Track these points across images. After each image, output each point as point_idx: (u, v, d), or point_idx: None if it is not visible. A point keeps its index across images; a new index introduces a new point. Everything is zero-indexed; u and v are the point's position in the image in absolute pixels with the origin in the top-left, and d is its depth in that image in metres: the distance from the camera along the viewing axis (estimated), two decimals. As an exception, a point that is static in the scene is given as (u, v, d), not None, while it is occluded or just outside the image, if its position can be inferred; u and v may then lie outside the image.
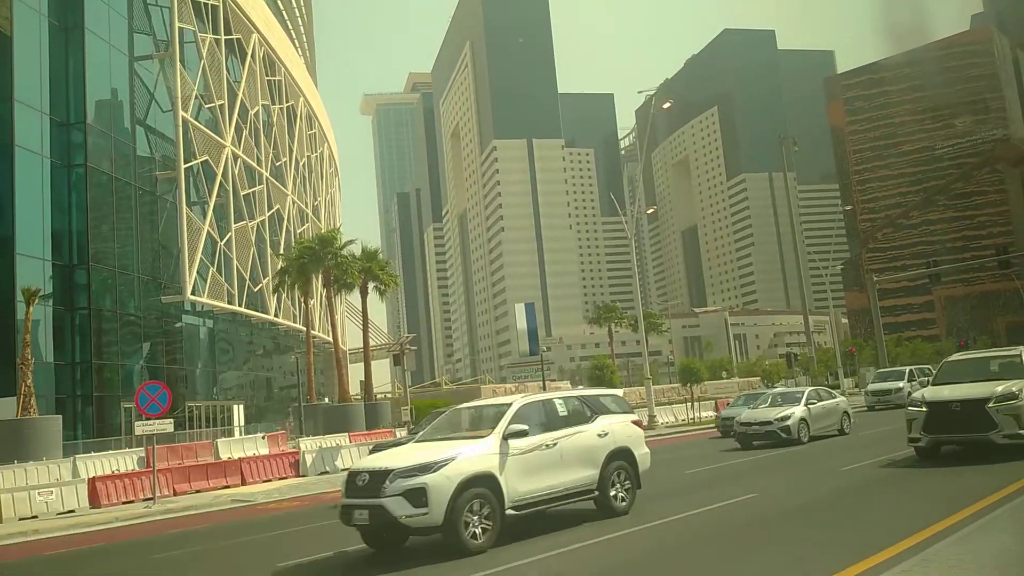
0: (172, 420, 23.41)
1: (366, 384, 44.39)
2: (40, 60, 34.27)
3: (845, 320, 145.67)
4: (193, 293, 41.21)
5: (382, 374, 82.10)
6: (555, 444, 10.70)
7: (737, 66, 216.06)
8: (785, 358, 67.45)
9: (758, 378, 78.20)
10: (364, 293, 43.57)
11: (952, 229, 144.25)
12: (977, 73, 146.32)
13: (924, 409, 14.30)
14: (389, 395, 62.10)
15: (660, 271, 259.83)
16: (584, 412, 11.64)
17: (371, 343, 49.14)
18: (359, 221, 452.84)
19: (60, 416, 28.09)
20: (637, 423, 12.63)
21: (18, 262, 31.14)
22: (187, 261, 40.52)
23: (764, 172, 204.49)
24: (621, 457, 11.59)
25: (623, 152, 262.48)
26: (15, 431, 23.49)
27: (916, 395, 15.52)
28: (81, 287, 35.40)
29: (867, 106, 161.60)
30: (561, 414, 11.33)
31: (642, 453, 12.05)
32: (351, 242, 43.38)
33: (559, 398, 11.86)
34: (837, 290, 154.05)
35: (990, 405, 13.48)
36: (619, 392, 16.58)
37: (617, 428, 11.78)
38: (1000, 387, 13.78)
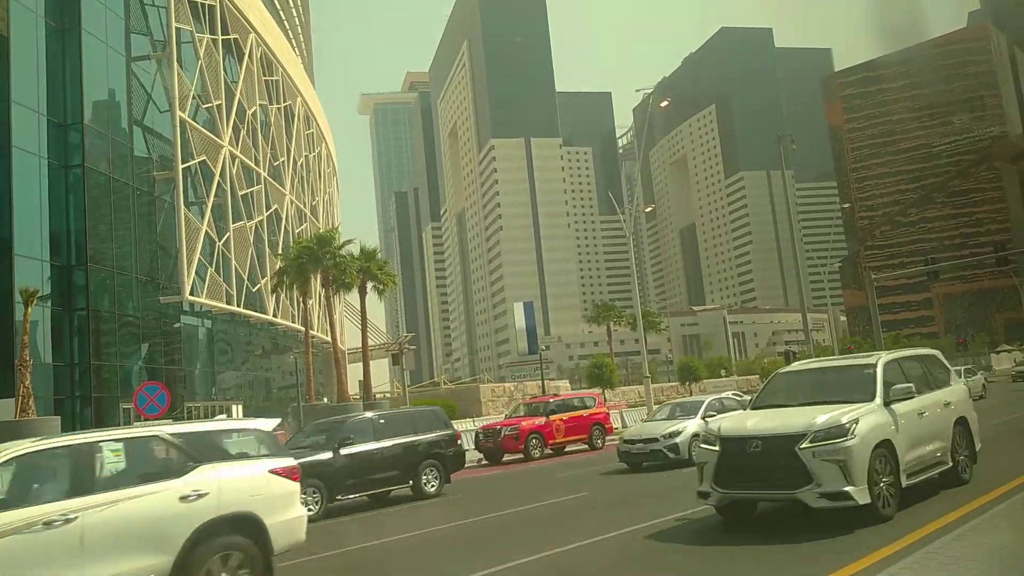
0: (171, 421, 23.43)
1: (365, 384, 44.38)
2: (37, 61, 34.20)
3: (843, 318, 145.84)
4: (191, 293, 41.20)
5: (381, 374, 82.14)
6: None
7: (735, 64, 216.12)
8: (783, 356, 67.49)
9: (756, 376, 78.21)
10: (363, 293, 43.56)
11: (950, 226, 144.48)
12: (974, 70, 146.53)
13: (716, 449, 9.38)
14: (388, 395, 62.06)
15: (658, 270, 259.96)
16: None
17: (370, 343, 49.12)
18: (357, 221, 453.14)
19: (59, 417, 28.01)
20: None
21: (16, 263, 31.07)
22: (185, 261, 40.51)
23: (762, 170, 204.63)
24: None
25: (621, 151, 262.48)
26: (14, 433, 23.33)
27: (712, 425, 10.08)
28: (79, 288, 35.36)
29: (865, 104, 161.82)
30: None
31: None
32: (349, 242, 43.41)
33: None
34: (835, 288, 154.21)
35: (802, 446, 8.66)
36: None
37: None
38: (824, 416, 8.92)
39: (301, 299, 48.15)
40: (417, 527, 12.99)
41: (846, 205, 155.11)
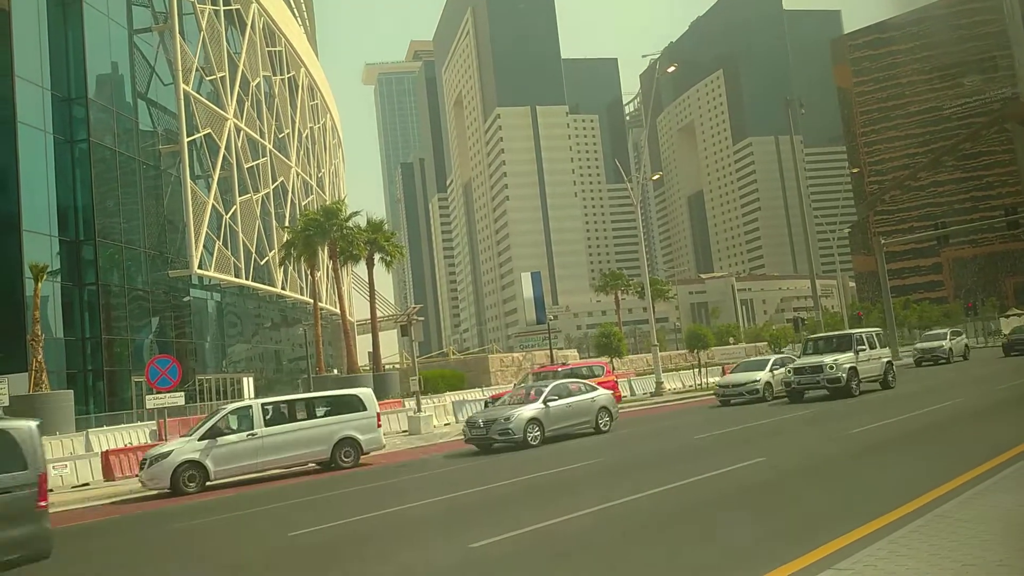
0: (183, 393, 23.66)
1: (374, 355, 44.61)
2: (40, 35, 34.04)
3: (852, 284, 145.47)
4: (200, 267, 41.31)
5: (390, 345, 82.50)
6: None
7: (742, 28, 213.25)
8: (792, 323, 67.44)
9: (765, 343, 78.21)
10: (370, 264, 43.62)
11: (960, 190, 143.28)
12: (986, 31, 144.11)
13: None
14: (397, 365, 62.38)
15: (666, 237, 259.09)
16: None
17: (378, 314, 49.28)
18: (364, 192, 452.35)
19: (72, 391, 28.36)
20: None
21: (25, 239, 31.20)
22: (193, 235, 40.55)
23: (770, 135, 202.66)
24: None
25: (628, 118, 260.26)
26: (28, 406, 23.69)
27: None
28: (88, 263, 35.50)
29: (874, 67, 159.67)
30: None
31: None
32: (356, 214, 43.36)
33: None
34: (844, 254, 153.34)
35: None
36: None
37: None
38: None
39: (309, 271, 48.24)
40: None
41: (855, 170, 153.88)
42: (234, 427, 17.29)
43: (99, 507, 16.45)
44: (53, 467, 19.03)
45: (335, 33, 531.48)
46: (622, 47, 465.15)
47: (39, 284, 26.19)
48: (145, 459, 16.96)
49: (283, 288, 54.90)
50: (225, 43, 49.34)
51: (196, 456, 16.55)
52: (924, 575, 5.42)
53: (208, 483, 16.71)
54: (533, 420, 18.59)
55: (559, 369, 27.12)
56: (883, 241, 55.06)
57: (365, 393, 19.54)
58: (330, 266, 48.94)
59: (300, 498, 14.75)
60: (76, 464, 20.09)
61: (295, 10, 77.56)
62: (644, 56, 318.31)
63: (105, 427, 25.64)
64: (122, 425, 26.59)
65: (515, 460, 16.58)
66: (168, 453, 16.56)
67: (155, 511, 15.03)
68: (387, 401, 32.22)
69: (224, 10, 50.00)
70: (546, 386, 19.90)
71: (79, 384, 33.01)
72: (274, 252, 52.63)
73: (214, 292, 47.70)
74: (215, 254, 43.73)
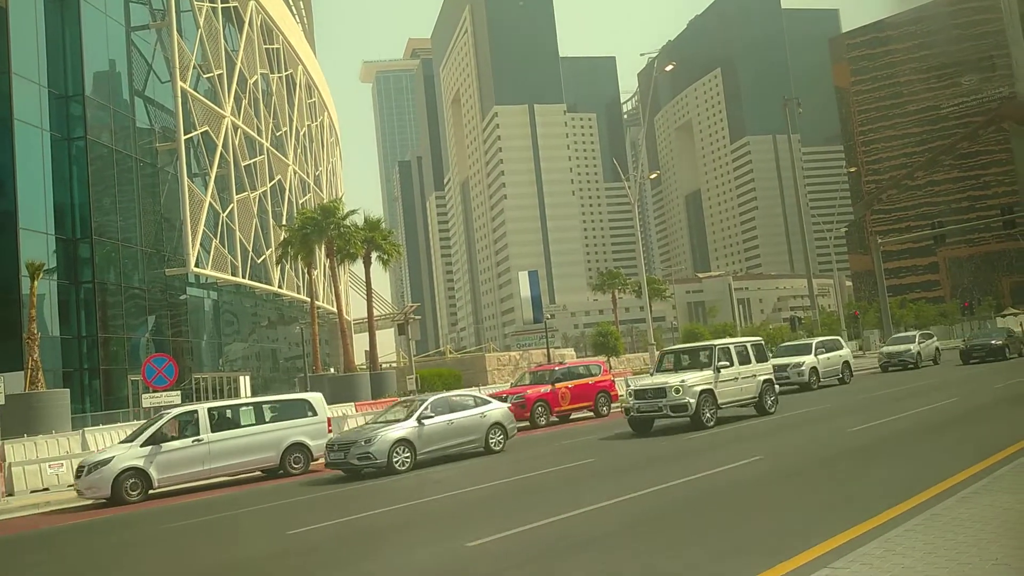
0: (179, 392, 23.61)
1: (371, 354, 44.57)
2: (36, 32, 33.96)
3: (849, 283, 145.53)
4: (196, 265, 41.25)
5: (387, 343, 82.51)
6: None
7: (740, 27, 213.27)
8: (789, 322, 67.54)
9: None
10: (367, 263, 43.56)
11: (957, 189, 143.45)
12: (983, 30, 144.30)
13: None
14: (394, 364, 62.35)
15: (663, 236, 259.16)
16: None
17: (375, 313, 49.24)
18: (361, 190, 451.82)
19: (68, 390, 28.28)
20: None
21: (21, 236, 31.14)
22: (190, 233, 40.49)
23: (768, 134, 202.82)
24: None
25: (625, 116, 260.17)
26: (24, 405, 23.65)
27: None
28: (85, 261, 35.44)
29: (872, 66, 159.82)
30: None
31: None
32: (353, 212, 43.28)
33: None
34: (841, 253, 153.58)
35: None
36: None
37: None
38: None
39: (306, 270, 48.20)
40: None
41: (852, 169, 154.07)
42: (179, 432, 16.62)
43: (31, 517, 15.56)
44: (49, 466, 19.00)
45: (333, 31, 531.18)
46: (620, 46, 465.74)
47: (35, 282, 26.11)
48: (82, 466, 16.02)
49: (280, 287, 54.85)
50: (223, 41, 49.27)
51: (139, 463, 15.79)
52: (920, 575, 5.41)
53: (151, 491, 16.04)
54: (402, 441, 16.10)
55: (556, 368, 27.09)
56: (880, 240, 55.17)
57: (315, 398, 18.91)
58: (327, 265, 48.92)
59: (248, 507, 14.10)
60: (72, 463, 20.03)
61: (293, 8, 77.50)
62: (642, 55, 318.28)
63: (101, 426, 25.55)
64: (118, 424, 26.49)
65: (370, 490, 14.40)
66: (108, 460, 15.73)
67: (90, 522, 14.28)
68: (384, 400, 32.20)
69: (222, 7, 49.93)
70: (424, 401, 17.57)
71: (75, 383, 32.95)
72: (271, 250, 52.57)
73: (211, 290, 47.64)
74: (212, 252, 43.67)
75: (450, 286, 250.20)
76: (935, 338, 39.38)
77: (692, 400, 17.68)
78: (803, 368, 27.96)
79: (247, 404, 18.37)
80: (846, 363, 30.22)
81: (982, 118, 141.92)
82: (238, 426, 17.36)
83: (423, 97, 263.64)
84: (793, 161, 57.92)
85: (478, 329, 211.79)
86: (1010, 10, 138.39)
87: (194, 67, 44.58)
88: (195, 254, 40.95)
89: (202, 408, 17.13)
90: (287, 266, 54.00)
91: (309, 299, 47.28)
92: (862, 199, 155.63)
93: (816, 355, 29.00)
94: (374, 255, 43.35)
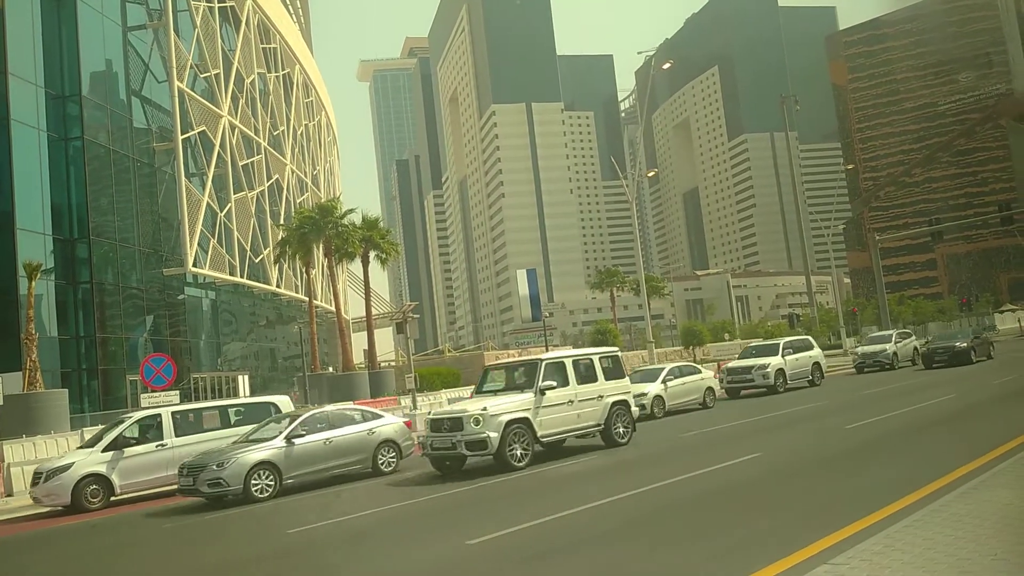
0: (178, 392, 23.59)
1: (370, 353, 44.54)
2: (33, 32, 33.87)
3: (847, 280, 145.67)
4: (194, 265, 41.18)
5: (385, 342, 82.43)
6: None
7: (738, 25, 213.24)
8: (787, 319, 67.55)
9: (760, 339, 78.38)
10: (365, 262, 43.53)
11: (954, 186, 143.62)
12: (980, 27, 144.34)
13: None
14: (393, 363, 62.35)
15: (661, 234, 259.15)
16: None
17: (373, 312, 49.24)
18: (359, 189, 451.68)
19: (66, 390, 28.24)
20: None
21: (19, 237, 31.06)
22: (187, 233, 40.43)
23: (765, 132, 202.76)
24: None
25: (623, 114, 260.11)
26: (22, 405, 23.62)
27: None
28: (82, 261, 35.38)
29: (869, 63, 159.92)
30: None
31: None
32: (351, 211, 43.25)
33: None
34: (839, 250, 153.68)
35: None
36: None
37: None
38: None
39: (304, 269, 48.15)
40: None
41: (850, 166, 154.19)
42: (142, 437, 16.09)
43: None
44: (48, 466, 18.94)
45: (330, 30, 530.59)
46: (617, 44, 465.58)
47: (33, 283, 26.07)
48: (39, 473, 15.38)
49: (278, 286, 54.80)
50: (220, 40, 49.19)
51: (100, 469, 15.25)
52: (919, 570, 5.42)
53: (113, 498, 15.45)
54: (263, 465, 14.14)
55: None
56: (878, 237, 55.24)
57: (282, 401, 18.28)
58: (325, 264, 48.86)
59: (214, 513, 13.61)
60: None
61: (290, 7, 77.40)
62: (639, 53, 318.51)
63: (100, 426, 25.55)
64: (117, 423, 26.48)
65: (217, 523, 12.76)
66: (68, 466, 15.19)
67: (51, 530, 14.04)
68: (383, 399, 32.19)
69: (219, 7, 49.83)
70: (296, 417, 15.52)
71: (73, 383, 32.90)
72: (269, 250, 52.52)
73: (209, 290, 47.58)
74: (210, 252, 43.62)
75: (448, 285, 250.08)
76: (914, 337, 38.08)
77: (494, 434, 13.77)
78: (768, 370, 26.81)
79: (212, 408, 17.81)
80: (816, 364, 28.96)
81: (979, 115, 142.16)
82: (203, 430, 16.68)
83: (420, 96, 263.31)
84: (791, 159, 58.07)
85: (476, 327, 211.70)
86: (1006, 7, 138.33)
87: (191, 67, 44.50)
88: (193, 254, 40.89)
89: (166, 412, 16.56)
90: (285, 265, 53.93)
91: (307, 298, 47.25)
92: (860, 196, 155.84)
93: (783, 356, 27.92)
94: (372, 254, 43.31)
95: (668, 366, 25.97)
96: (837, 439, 14.20)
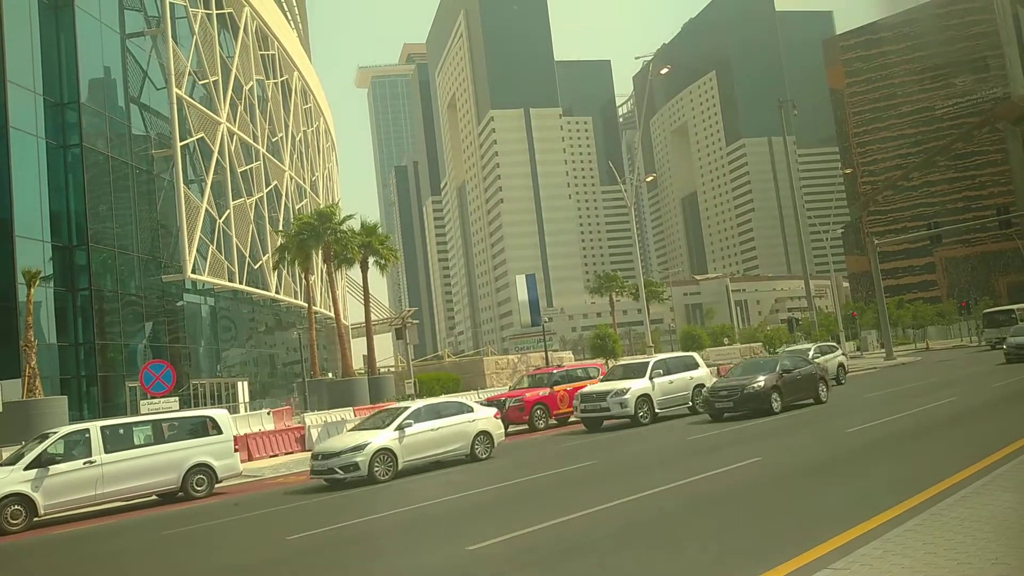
0: (177, 398, 23.57)
1: (369, 358, 44.52)
2: (31, 39, 33.89)
3: (846, 284, 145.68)
4: (193, 271, 41.14)
5: (385, 348, 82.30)
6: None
7: (735, 29, 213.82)
8: (786, 323, 67.59)
9: (759, 344, 78.41)
10: (364, 268, 43.52)
11: (953, 190, 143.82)
12: (977, 31, 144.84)
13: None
14: (392, 369, 62.30)
15: (660, 239, 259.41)
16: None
17: (373, 317, 49.21)
18: (358, 195, 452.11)
19: (65, 397, 28.21)
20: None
21: (17, 244, 31.03)
22: (186, 239, 40.41)
23: (763, 137, 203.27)
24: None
25: (621, 120, 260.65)
26: (22, 412, 23.58)
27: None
28: (81, 268, 35.36)
29: (866, 67, 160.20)
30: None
31: None
32: (350, 217, 43.23)
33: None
34: (838, 254, 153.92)
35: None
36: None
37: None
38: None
39: (303, 275, 48.13)
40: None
41: (848, 170, 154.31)
42: (68, 454, 15.24)
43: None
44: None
45: (328, 36, 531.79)
46: (615, 49, 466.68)
47: (32, 290, 26.05)
48: None
49: (277, 292, 54.78)
50: (218, 47, 49.25)
51: (22, 488, 14.29)
52: (920, 574, 5.42)
53: (36, 519, 14.54)
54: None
55: (554, 371, 27.10)
56: (876, 241, 55.21)
57: (220, 415, 17.77)
58: (324, 270, 48.83)
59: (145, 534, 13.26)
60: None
61: (288, 13, 77.57)
62: (637, 58, 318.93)
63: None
64: (116, 431, 26.43)
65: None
66: None
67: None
68: (382, 404, 32.16)
69: (217, 14, 49.91)
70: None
71: (72, 390, 32.87)
72: (268, 256, 52.52)
73: (208, 297, 47.55)
74: (209, 258, 43.59)
75: (447, 290, 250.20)
76: (839, 351, 33.88)
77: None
78: (626, 397, 21.29)
79: (144, 422, 17.03)
80: (699, 387, 22.99)
81: (977, 119, 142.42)
82: (135, 446, 16.07)
83: (419, 102, 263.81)
84: (789, 163, 58.19)
85: (476, 333, 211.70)
86: (1003, 11, 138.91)
87: (189, 74, 44.53)
88: (192, 260, 40.86)
89: (94, 426, 15.78)
90: (284, 272, 53.91)
91: (307, 304, 47.24)
92: (858, 200, 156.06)
93: (651, 378, 22.10)
94: (371, 260, 43.30)
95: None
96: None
